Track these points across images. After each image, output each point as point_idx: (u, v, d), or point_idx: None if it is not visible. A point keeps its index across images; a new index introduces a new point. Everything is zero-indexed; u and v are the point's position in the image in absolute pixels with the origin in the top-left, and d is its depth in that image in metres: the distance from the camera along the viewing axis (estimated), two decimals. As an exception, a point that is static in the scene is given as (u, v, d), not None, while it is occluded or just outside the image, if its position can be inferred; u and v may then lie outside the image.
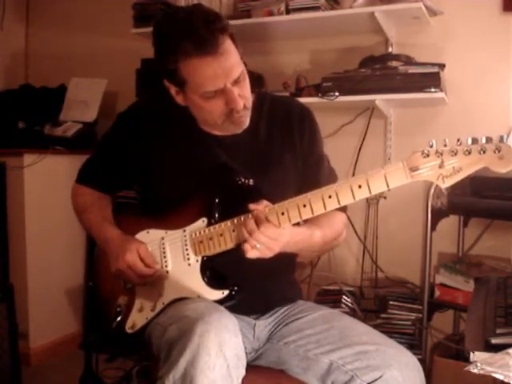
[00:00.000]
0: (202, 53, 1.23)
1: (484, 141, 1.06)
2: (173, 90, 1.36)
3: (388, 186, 1.12)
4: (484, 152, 1.05)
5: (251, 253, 1.21)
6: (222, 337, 1.09)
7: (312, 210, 1.19)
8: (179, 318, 1.19)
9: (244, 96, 1.32)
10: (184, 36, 1.23)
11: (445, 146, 1.08)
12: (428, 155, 1.09)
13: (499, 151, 1.04)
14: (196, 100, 1.32)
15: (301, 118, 1.47)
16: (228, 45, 1.26)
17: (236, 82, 1.29)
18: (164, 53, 1.30)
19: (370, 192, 1.14)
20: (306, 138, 1.46)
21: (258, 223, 1.21)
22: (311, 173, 1.44)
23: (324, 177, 1.44)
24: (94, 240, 1.50)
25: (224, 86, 1.27)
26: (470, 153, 1.06)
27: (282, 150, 1.43)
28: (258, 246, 1.20)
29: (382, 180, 1.12)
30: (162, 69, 1.32)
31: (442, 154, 1.08)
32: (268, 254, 1.22)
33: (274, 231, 1.20)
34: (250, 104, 1.37)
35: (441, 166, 1.08)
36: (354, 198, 1.16)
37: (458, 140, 1.07)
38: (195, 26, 1.23)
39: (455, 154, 1.07)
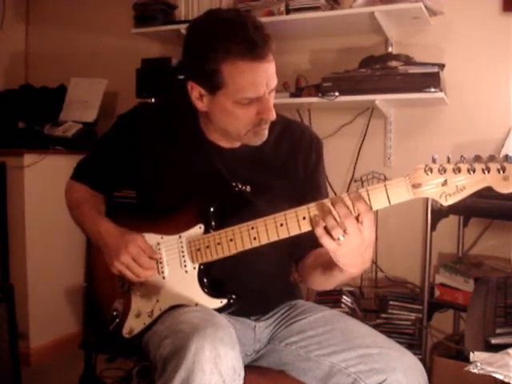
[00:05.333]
0: (252, 56, 1.19)
1: (488, 158, 1.03)
2: (196, 92, 1.29)
3: (390, 203, 1.09)
4: (488, 171, 1.02)
5: (332, 246, 1.07)
6: (217, 352, 1.06)
7: (311, 222, 1.14)
8: (174, 331, 1.15)
9: (272, 108, 1.29)
10: (234, 37, 1.18)
11: (448, 162, 1.05)
12: (431, 171, 1.05)
13: (504, 171, 1.01)
14: (227, 106, 1.26)
15: (309, 149, 1.44)
16: (272, 53, 1.24)
17: (270, 92, 1.26)
18: (204, 52, 1.22)
19: (371, 208, 1.10)
20: (310, 169, 1.43)
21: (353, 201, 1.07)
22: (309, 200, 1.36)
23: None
24: (86, 236, 1.45)
25: (263, 94, 1.24)
26: (474, 171, 1.03)
27: (282, 174, 1.40)
28: (341, 238, 1.07)
29: (383, 195, 1.09)
30: (195, 68, 1.26)
31: (445, 171, 1.05)
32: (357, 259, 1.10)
33: (371, 217, 1.07)
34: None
35: (444, 184, 1.05)
36: None
37: (462, 156, 1.04)
38: (247, 28, 1.18)
39: (459, 171, 1.03)
